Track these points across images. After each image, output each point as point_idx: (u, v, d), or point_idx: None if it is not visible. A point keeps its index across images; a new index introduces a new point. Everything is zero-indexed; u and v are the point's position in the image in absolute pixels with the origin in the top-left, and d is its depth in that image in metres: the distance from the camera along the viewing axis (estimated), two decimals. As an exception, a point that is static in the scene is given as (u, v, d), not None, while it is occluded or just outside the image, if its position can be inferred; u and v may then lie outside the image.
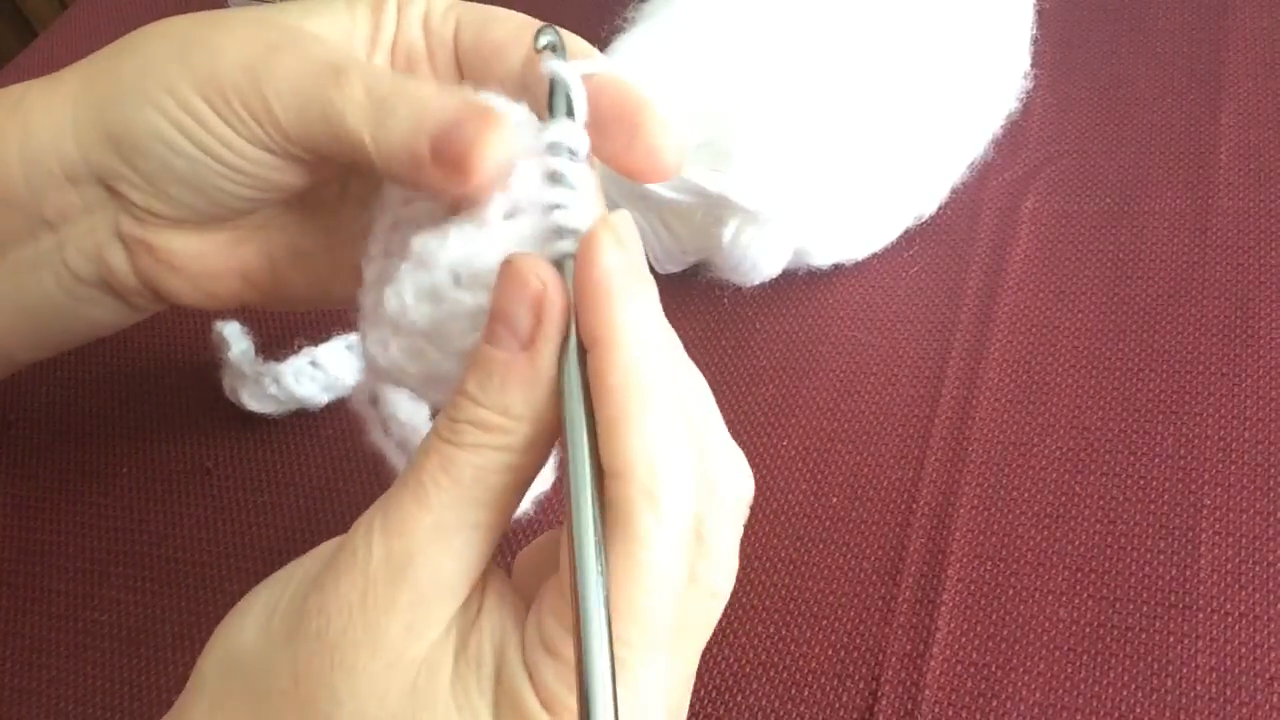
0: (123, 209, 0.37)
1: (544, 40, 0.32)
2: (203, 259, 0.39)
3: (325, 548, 0.31)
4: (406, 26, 0.37)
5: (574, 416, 0.28)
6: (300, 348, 0.50)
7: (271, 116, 0.34)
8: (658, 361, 0.28)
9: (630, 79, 0.33)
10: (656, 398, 0.28)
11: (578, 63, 0.32)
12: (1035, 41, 0.56)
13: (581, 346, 0.28)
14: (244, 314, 0.51)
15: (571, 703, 0.27)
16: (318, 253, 0.40)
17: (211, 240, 0.39)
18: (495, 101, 0.33)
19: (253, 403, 0.50)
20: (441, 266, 0.31)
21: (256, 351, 0.50)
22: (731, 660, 0.41)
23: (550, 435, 0.29)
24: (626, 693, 0.27)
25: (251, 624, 0.30)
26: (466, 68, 0.36)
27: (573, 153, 0.31)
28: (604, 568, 0.27)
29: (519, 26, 0.35)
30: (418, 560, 0.28)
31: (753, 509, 0.45)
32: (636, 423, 0.27)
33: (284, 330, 0.52)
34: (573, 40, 0.34)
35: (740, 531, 0.32)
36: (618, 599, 0.27)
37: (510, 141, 0.31)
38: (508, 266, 0.29)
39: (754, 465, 0.46)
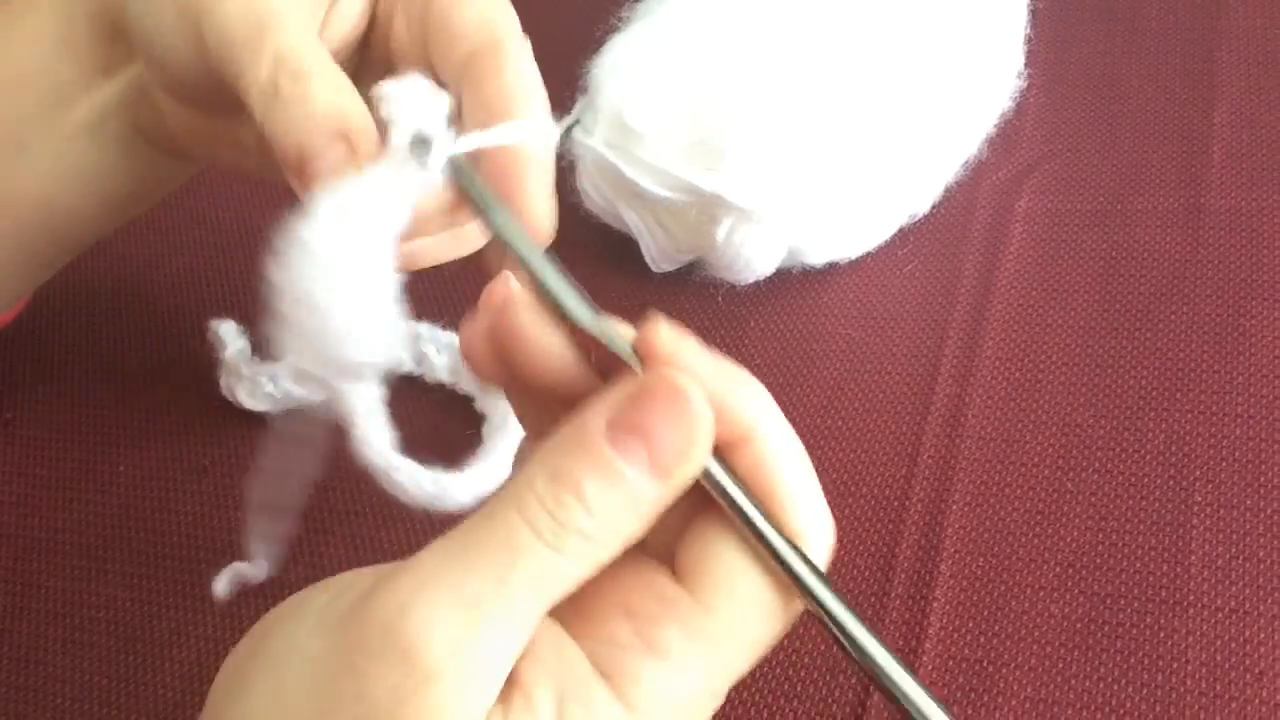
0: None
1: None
2: (216, 133, 0.41)
3: (342, 600, 0.27)
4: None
5: (742, 501, 0.27)
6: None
7: (205, 55, 0.36)
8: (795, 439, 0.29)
9: (517, 144, 0.34)
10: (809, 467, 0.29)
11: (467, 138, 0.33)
12: (1029, 41, 0.56)
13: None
14: (240, 313, 0.51)
15: (672, 705, 0.27)
16: None
17: (222, 123, 0.41)
18: (418, 86, 0.34)
19: (249, 401, 0.50)
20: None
21: (253, 350, 0.50)
22: (725, 656, 0.42)
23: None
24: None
25: (311, 623, 0.27)
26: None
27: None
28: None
29: (479, 20, 0.36)
30: (489, 666, 0.25)
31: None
32: (811, 485, 0.28)
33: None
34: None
35: None
36: None
37: (355, 171, 0.32)
38: (660, 376, 0.27)
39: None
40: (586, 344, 0.28)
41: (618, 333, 0.28)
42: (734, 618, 0.27)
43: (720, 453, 0.27)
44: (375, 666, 0.24)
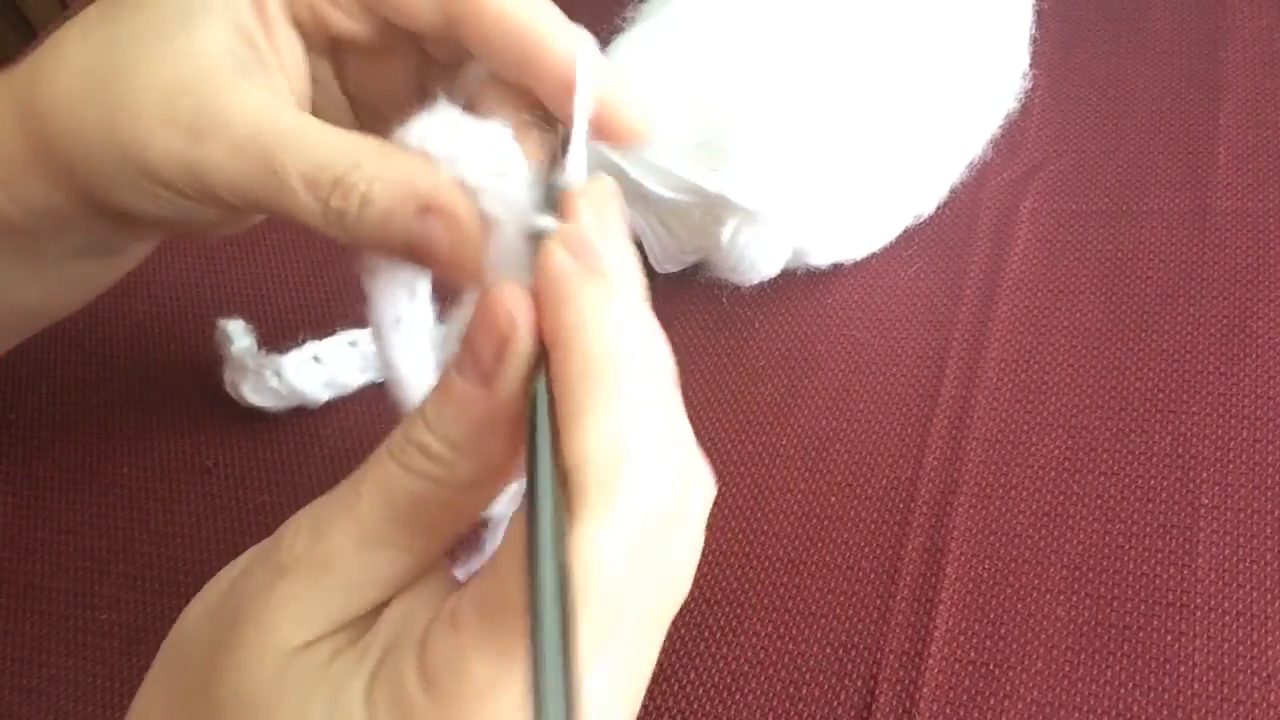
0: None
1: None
2: (225, 227, 0.41)
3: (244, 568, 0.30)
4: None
5: (539, 430, 0.26)
6: (304, 341, 0.50)
7: (218, 199, 0.34)
8: (619, 350, 0.27)
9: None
10: (621, 382, 0.26)
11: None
12: (1034, 41, 0.56)
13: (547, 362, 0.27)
14: (247, 310, 0.51)
15: (458, 678, 0.25)
16: None
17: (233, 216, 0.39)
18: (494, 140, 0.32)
19: (253, 396, 0.50)
20: None
21: (259, 346, 0.50)
22: (729, 659, 0.42)
23: (495, 481, 0.28)
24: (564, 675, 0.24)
25: (198, 607, 0.31)
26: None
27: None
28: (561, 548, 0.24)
29: None
30: (335, 566, 0.28)
31: (751, 508, 0.45)
32: (600, 409, 0.25)
33: (286, 327, 0.52)
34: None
35: (703, 530, 0.30)
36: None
37: (477, 238, 0.31)
38: (485, 295, 0.28)
39: (752, 464, 0.47)
40: None
41: None
42: (503, 581, 0.26)
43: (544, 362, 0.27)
44: (248, 574, 0.29)
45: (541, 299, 0.27)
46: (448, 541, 0.29)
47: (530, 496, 0.25)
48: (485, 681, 0.25)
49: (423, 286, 0.36)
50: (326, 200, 0.33)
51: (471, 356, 0.27)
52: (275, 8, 0.36)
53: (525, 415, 0.27)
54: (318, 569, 0.28)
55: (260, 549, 0.30)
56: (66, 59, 0.35)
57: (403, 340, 0.36)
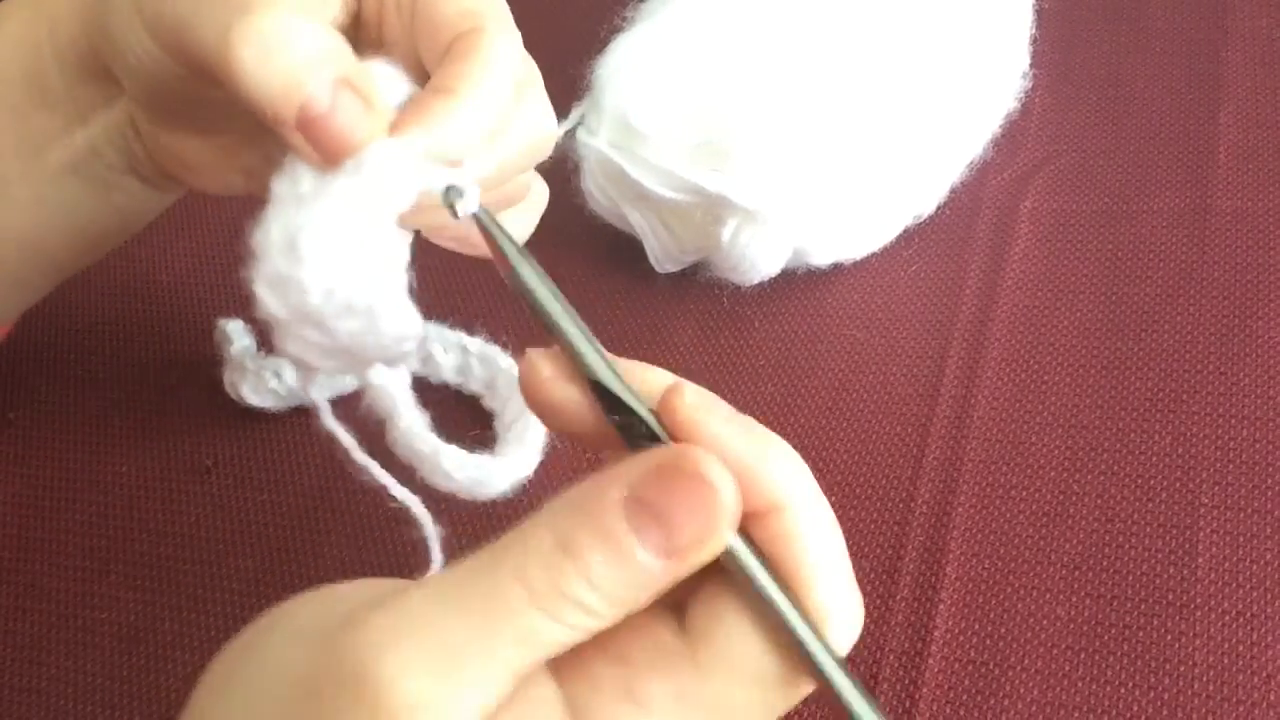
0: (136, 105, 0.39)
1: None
2: (204, 157, 0.40)
3: (366, 588, 0.27)
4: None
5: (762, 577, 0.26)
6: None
7: (177, 38, 0.33)
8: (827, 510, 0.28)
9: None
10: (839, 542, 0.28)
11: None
12: (1034, 41, 0.56)
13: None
14: (246, 310, 0.51)
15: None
16: None
17: (212, 144, 0.40)
18: (382, 73, 0.32)
19: (253, 397, 0.50)
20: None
21: (258, 347, 0.50)
22: (730, 658, 0.41)
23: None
24: None
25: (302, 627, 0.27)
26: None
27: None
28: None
29: (460, 11, 0.33)
30: (447, 714, 0.24)
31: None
32: (837, 573, 0.27)
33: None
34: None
35: None
36: None
37: (377, 128, 0.30)
38: (684, 457, 0.25)
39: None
40: (607, 401, 0.28)
41: (638, 394, 0.27)
42: (728, 686, 0.26)
43: (745, 522, 0.26)
44: (343, 700, 0.24)
45: (751, 457, 0.26)
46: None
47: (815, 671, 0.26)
48: None
49: None
50: (247, 33, 0.31)
51: (662, 528, 0.25)
52: None
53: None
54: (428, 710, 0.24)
55: (342, 653, 0.25)
56: None
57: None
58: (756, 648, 0.26)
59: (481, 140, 0.32)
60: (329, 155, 0.30)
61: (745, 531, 0.26)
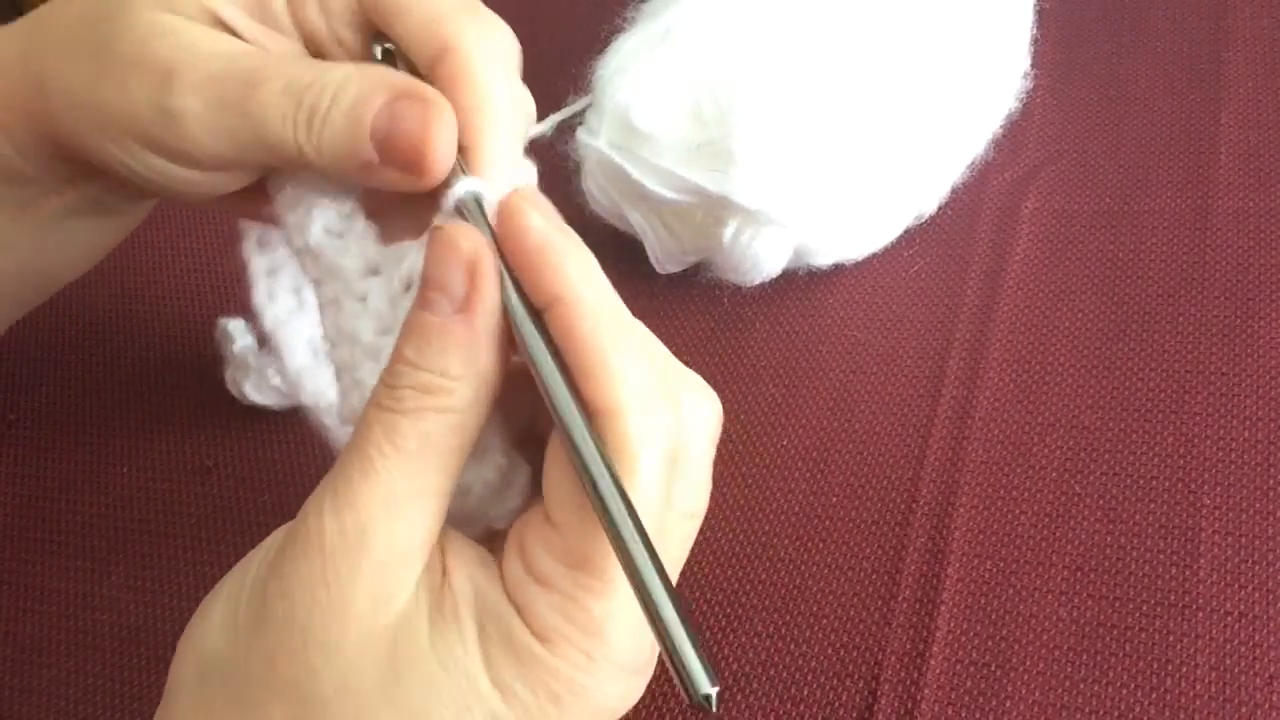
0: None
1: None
2: (202, 190, 0.39)
3: (274, 536, 0.31)
4: (300, 6, 0.36)
5: (546, 366, 0.29)
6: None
7: (198, 146, 0.34)
8: (616, 308, 0.30)
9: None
10: (625, 340, 0.29)
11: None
12: (1035, 41, 0.56)
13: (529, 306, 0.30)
14: (247, 308, 0.51)
15: (570, 630, 0.29)
16: None
17: (207, 180, 0.39)
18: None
19: (255, 395, 0.50)
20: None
21: (259, 345, 0.50)
22: (731, 659, 0.41)
23: (488, 394, 0.30)
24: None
25: (217, 623, 0.30)
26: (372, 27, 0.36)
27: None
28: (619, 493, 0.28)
29: (426, 19, 0.34)
30: (372, 530, 0.29)
31: (752, 508, 0.45)
32: (616, 365, 0.29)
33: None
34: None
35: (713, 452, 0.32)
36: None
37: (452, 129, 0.33)
38: (438, 233, 0.30)
39: (753, 465, 0.47)
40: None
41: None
42: (581, 532, 0.29)
43: (535, 316, 0.30)
44: (284, 571, 0.29)
45: (529, 253, 0.29)
46: (459, 470, 0.30)
47: (573, 449, 0.28)
48: (600, 618, 0.29)
49: (308, 292, 0.40)
50: (300, 98, 0.33)
51: (439, 290, 0.29)
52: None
53: (519, 341, 0.30)
54: (361, 543, 0.28)
55: (273, 548, 0.30)
56: (69, 3, 0.36)
57: (289, 337, 0.40)
58: (571, 482, 0.29)
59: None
60: (413, 167, 0.33)
61: (534, 316, 0.30)
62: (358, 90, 0.33)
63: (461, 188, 0.32)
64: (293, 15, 0.36)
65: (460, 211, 0.32)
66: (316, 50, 0.37)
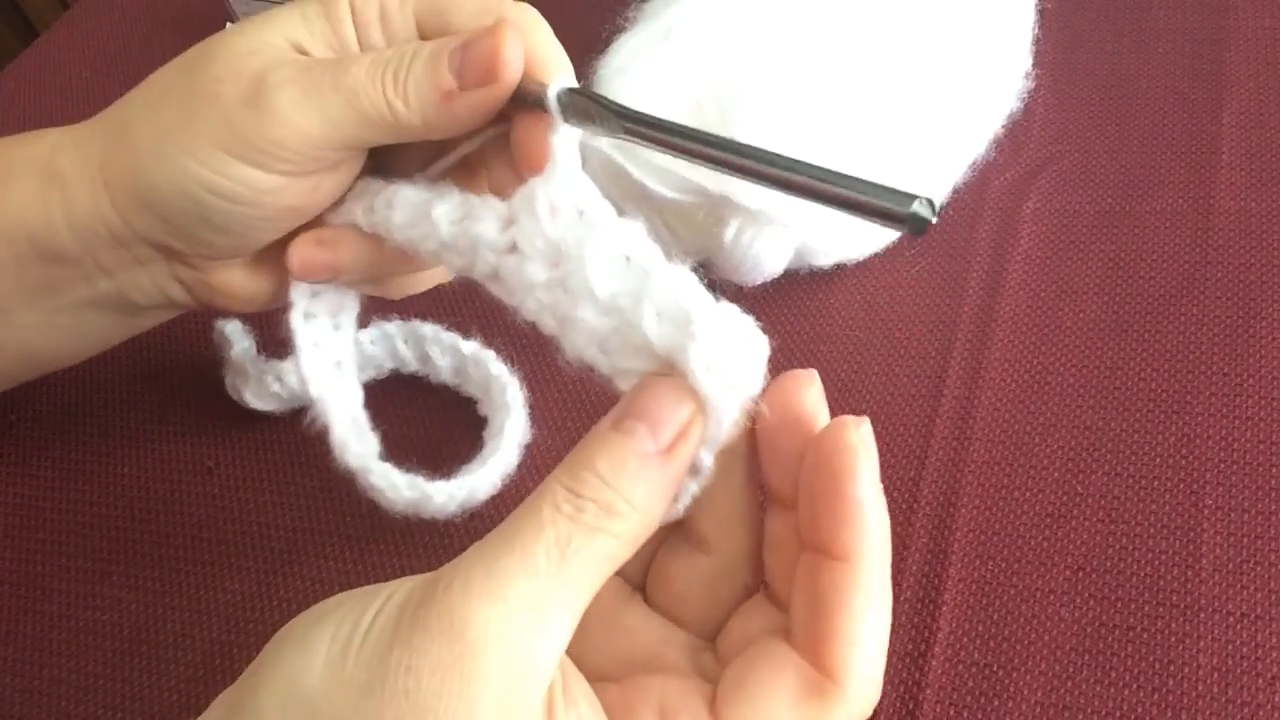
0: (175, 258, 0.41)
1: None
2: (254, 285, 0.42)
3: (400, 585, 0.29)
4: (365, 26, 0.39)
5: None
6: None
7: (289, 126, 0.36)
8: (885, 579, 0.30)
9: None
10: (879, 621, 0.30)
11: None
12: (1037, 41, 0.56)
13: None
14: (245, 313, 0.51)
15: None
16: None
17: (259, 270, 0.42)
18: None
19: (255, 400, 0.50)
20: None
21: (258, 350, 0.50)
22: (733, 660, 0.41)
23: (644, 539, 0.30)
24: None
25: (320, 664, 0.28)
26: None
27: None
28: None
29: (478, 9, 0.38)
30: (516, 633, 0.27)
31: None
32: (862, 642, 0.29)
33: (285, 329, 0.52)
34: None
35: None
36: None
37: (518, 39, 0.36)
38: (651, 378, 0.30)
39: (755, 464, 0.46)
40: None
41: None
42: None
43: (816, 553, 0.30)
44: (417, 654, 0.27)
45: (845, 500, 0.30)
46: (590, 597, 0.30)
47: None
48: None
49: (346, 319, 0.43)
50: (384, 63, 0.36)
51: (648, 426, 0.30)
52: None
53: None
54: (503, 642, 0.27)
55: (401, 602, 0.28)
56: (164, 69, 0.39)
57: (322, 367, 0.42)
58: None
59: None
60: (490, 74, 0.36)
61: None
62: (435, 44, 0.37)
63: (556, 85, 0.35)
64: (360, 43, 0.39)
65: (562, 110, 0.34)
66: None
